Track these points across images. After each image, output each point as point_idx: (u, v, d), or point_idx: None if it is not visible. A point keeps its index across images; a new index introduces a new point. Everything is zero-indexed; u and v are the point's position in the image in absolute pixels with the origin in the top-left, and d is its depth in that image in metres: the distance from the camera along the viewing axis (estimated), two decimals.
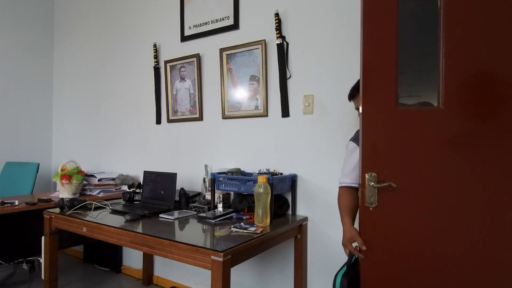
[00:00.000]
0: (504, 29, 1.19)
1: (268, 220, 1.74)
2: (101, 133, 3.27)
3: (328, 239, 1.96)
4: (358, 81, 1.38)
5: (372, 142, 1.29)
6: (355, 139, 1.55)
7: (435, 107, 1.25)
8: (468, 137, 1.24)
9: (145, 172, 2.41)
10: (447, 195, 1.25)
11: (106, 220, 1.92)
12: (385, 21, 1.24)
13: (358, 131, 1.52)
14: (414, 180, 1.27)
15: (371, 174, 1.27)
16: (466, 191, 1.24)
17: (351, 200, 1.48)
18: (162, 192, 2.26)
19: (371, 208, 1.28)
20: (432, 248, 1.26)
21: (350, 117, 1.88)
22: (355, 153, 1.48)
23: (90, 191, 2.81)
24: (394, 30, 1.24)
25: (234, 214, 1.96)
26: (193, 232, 1.76)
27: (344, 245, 1.41)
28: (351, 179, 1.52)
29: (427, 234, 1.26)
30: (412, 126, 1.26)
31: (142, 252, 2.64)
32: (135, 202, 2.34)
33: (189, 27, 2.58)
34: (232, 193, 2.18)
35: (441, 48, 1.24)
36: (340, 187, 1.56)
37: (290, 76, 2.10)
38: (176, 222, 1.87)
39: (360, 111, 1.32)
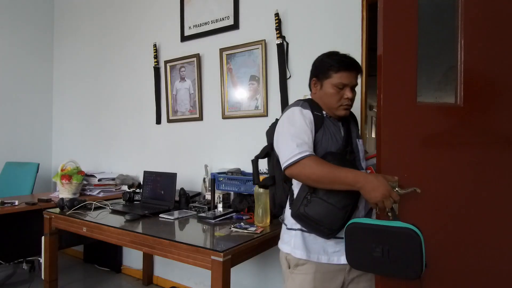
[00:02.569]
0: None
1: (268, 220, 1.74)
2: (101, 133, 3.27)
3: None
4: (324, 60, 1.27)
5: (391, 141, 1.12)
6: (302, 105, 1.25)
7: (453, 103, 1.19)
8: (490, 135, 1.18)
9: (145, 172, 2.41)
10: (476, 201, 1.17)
11: (106, 220, 1.92)
12: (405, 15, 1.15)
13: (301, 100, 1.30)
14: (438, 184, 1.15)
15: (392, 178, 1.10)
16: (500, 196, 1.17)
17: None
18: (162, 192, 2.26)
19: (391, 219, 1.09)
20: (467, 267, 1.15)
21: None
22: (307, 119, 1.20)
23: (90, 191, 2.81)
24: (414, 23, 1.15)
25: (234, 214, 1.96)
26: (193, 232, 1.76)
27: (388, 194, 1.04)
28: (312, 150, 1.18)
29: (460, 248, 1.15)
30: (432, 123, 1.16)
31: (142, 252, 2.64)
32: (135, 202, 2.34)
33: (189, 27, 2.58)
34: (232, 193, 2.18)
35: (460, 41, 1.16)
36: (304, 157, 1.13)
37: (290, 76, 2.10)
38: (176, 222, 1.87)
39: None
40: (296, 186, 1.27)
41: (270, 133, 1.35)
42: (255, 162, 1.45)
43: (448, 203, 1.17)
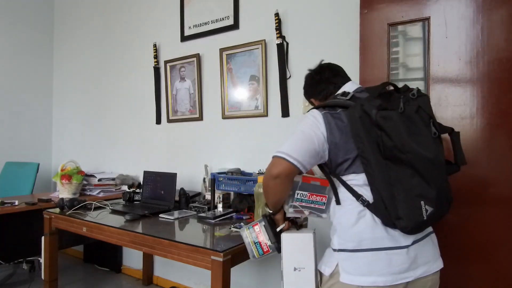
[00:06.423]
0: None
1: None
2: (101, 133, 3.27)
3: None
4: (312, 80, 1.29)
5: None
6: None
7: None
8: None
9: (145, 172, 2.41)
10: None
11: (106, 220, 1.92)
12: (378, 44, 1.54)
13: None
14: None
15: None
16: None
17: None
18: (162, 192, 2.26)
19: None
20: None
21: None
22: None
23: (90, 191, 2.81)
24: (386, 51, 1.54)
25: (234, 214, 1.96)
26: (193, 232, 1.76)
27: None
28: None
29: None
30: None
31: (142, 252, 2.64)
32: (135, 202, 2.34)
33: (189, 27, 2.58)
34: (232, 193, 2.18)
35: (427, 68, 1.41)
36: None
37: (290, 76, 2.10)
38: (176, 222, 1.87)
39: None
40: None
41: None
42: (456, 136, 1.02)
43: None
